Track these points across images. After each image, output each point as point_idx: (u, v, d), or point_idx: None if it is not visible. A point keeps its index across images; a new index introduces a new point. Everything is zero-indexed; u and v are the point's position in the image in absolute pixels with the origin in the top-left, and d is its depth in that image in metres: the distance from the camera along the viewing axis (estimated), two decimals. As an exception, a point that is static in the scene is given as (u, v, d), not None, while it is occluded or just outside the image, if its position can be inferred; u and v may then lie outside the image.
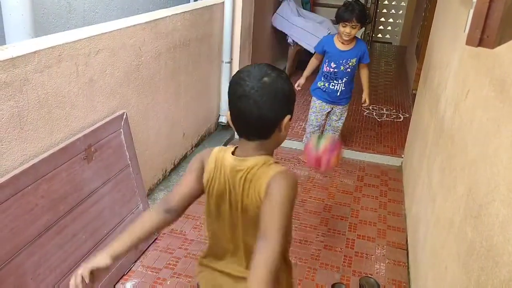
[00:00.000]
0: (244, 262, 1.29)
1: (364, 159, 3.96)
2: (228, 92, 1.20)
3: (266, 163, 1.19)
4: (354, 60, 3.38)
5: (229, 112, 1.22)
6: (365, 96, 3.60)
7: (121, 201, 2.40)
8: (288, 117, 1.19)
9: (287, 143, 4.06)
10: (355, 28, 3.23)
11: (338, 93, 3.49)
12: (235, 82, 1.18)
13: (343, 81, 3.44)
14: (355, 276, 2.51)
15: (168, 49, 2.94)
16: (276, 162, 1.21)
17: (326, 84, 3.48)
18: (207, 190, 1.27)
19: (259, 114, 1.14)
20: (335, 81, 3.45)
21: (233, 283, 1.33)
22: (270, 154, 1.24)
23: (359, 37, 7.24)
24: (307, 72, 3.59)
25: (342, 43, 3.35)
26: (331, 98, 3.54)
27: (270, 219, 1.11)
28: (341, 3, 3.42)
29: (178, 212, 1.33)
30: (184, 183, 1.31)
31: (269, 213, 1.12)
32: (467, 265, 1.41)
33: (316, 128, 3.67)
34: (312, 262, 2.60)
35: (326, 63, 3.43)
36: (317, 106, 3.60)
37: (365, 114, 4.93)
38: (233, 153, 1.24)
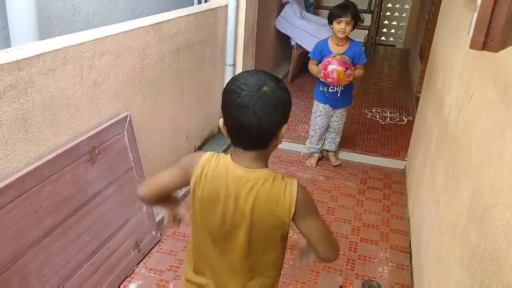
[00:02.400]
0: (240, 278, 1.27)
1: (367, 162, 3.96)
2: (223, 100, 1.14)
3: (276, 179, 1.18)
4: (350, 61, 3.36)
5: (222, 120, 1.17)
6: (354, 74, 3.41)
7: (125, 203, 2.41)
8: (285, 126, 1.16)
9: (290, 146, 4.07)
10: (349, 24, 3.25)
11: (339, 94, 3.48)
12: (232, 91, 1.11)
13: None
14: (358, 280, 2.51)
15: (172, 52, 2.95)
16: (283, 177, 1.21)
17: (326, 89, 3.49)
18: (192, 194, 1.23)
19: (258, 125, 1.09)
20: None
21: None
22: (267, 161, 1.23)
23: (363, 40, 7.28)
24: (316, 69, 3.54)
25: (337, 44, 3.37)
26: (333, 102, 3.55)
27: (318, 230, 1.24)
28: None
29: (151, 202, 1.39)
30: (168, 178, 1.30)
31: (315, 229, 1.23)
32: (470, 268, 1.40)
33: (322, 130, 3.67)
34: (315, 265, 2.59)
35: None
36: (321, 110, 3.60)
37: (368, 117, 4.93)
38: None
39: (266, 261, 1.28)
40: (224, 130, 1.18)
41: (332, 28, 3.34)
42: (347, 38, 3.36)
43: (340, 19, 3.23)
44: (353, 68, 3.29)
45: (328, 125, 3.70)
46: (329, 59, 3.23)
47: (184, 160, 1.30)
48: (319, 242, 1.24)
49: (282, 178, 1.20)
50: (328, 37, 3.45)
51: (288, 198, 1.16)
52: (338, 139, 3.78)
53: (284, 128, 1.16)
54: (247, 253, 1.23)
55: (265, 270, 1.30)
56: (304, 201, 1.18)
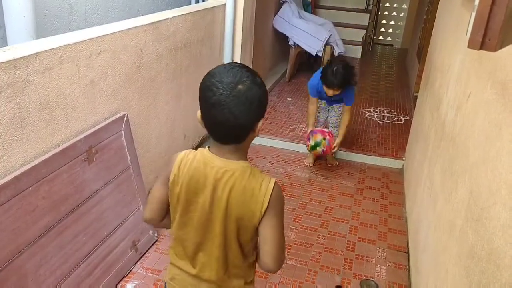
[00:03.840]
0: (216, 267, 1.28)
1: (365, 162, 3.96)
2: (200, 96, 1.15)
3: (253, 173, 1.21)
4: (340, 100, 3.60)
5: (199, 113, 1.18)
6: (337, 141, 3.56)
7: (122, 203, 2.40)
8: (261, 121, 1.18)
9: (289, 146, 4.07)
10: (337, 90, 3.31)
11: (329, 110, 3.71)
12: (207, 88, 1.12)
13: (335, 106, 3.69)
14: (355, 279, 2.51)
15: (169, 51, 2.94)
16: (261, 172, 1.23)
17: (324, 104, 3.72)
18: (171, 191, 1.26)
19: (234, 123, 1.12)
20: (326, 107, 3.73)
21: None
22: (245, 154, 1.25)
23: (361, 39, 7.28)
24: (311, 121, 3.66)
25: None
26: (327, 112, 3.74)
27: (274, 234, 1.22)
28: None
29: (161, 219, 1.38)
30: (159, 192, 1.32)
31: (272, 230, 1.22)
32: (468, 268, 1.41)
33: (320, 124, 3.75)
34: (312, 265, 2.59)
35: (319, 101, 3.65)
36: (320, 106, 3.73)
37: (366, 116, 4.93)
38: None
39: (242, 255, 1.29)
40: (201, 124, 1.20)
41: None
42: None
43: (328, 88, 3.32)
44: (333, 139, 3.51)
45: (326, 120, 3.76)
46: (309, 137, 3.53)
47: (163, 169, 1.32)
48: (269, 246, 1.22)
49: (260, 173, 1.23)
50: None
51: (263, 193, 1.18)
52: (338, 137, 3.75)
53: (260, 123, 1.18)
54: (223, 243, 1.25)
55: (241, 264, 1.30)
56: (276, 200, 1.20)
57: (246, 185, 1.19)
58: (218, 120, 1.12)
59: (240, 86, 1.11)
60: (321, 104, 3.69)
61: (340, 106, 3.67)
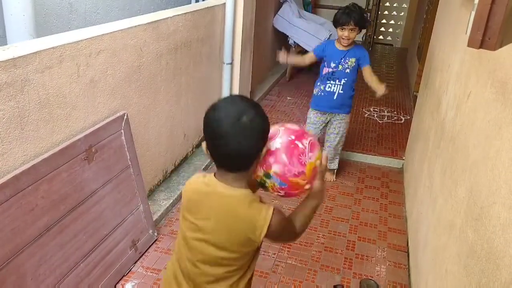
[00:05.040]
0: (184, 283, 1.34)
1: (365, 161, 3.96)
2: (204, 128, 1.20)
3: (252, 201, 1.23)
4: (353, 60, 3.24)
5: (205, 144, 1.23)
6: (380, 93, 3.19)
7: (122, 202, 2.40)
8: (265, 148, 1.23)
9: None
10: (353, 31, 3.15)
11: (335, 96, 3.28)
12: (212, 121, 1.18)
13: (341, 83, 3.26)
14: (355, 278, 2.51)
15: (169, 50, 2.94)
16: (260, 201, 1.25)
17: (322, 87, 3.31)
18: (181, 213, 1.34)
19: (239, 154, 1.17)
20: (332, 82, 3.27)
21: None
22: (248, 184, 1.27)
23: (361, 39, 7.28)
24: (295, 59, 3.58)
25: (342, 45, 3.26)
26: (327, 103, 3.32)
27: (283, 240, 1.37)
28: (342, 5, 3.38)
29: None
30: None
31: (280, 239, 1.36)
32: (468, 267, 1.40)
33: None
34: (312, 264, 2.59)
35: (325, 65, 3.30)
36: (312, 118, 3.42)
37: (366, 116, 4.93)
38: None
39: (234, 275, 1.31)
40: (207, 154, 1.24)
41: (337, 32, 3.25)
42: (353, 42, 3.28)
43: (343, 26, 3.14)
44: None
45: (323, 138, 3.49)
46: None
47: None
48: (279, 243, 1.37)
49: (260, 201, 1.25)
50: (336, 39, 3.33)
51: (260, 225, 1.21)
52: (335, 154, 3.53)
53: (265, 150, 1.22)
54: (215, 263, 1.29)
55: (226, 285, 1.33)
56: (275, 230, 1.23)
57: (246, 213, 1.21)
58: (224, 152, 1.18)
59: (244, 118, 1.15)
60: (315, 116, 3.38)
61: (340, 120, 3.38)
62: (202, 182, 1.28)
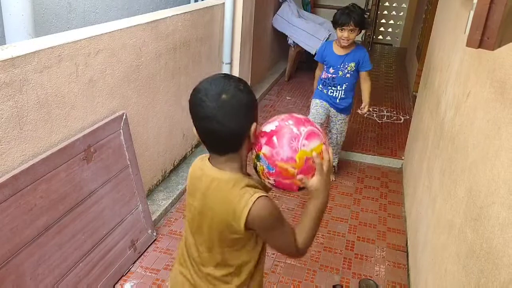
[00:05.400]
0: (191, 268, 1.34)
1: (364, 161, 3.96)
2: (190, 112, 1.19)
3: (237, 184, 1.18)
4: (352, 65, 3.22)
5: (195, 129, 1.21)
6: (364, 104, 3.38)
7: (121, 202, 2.40)
8: (254, 125, 1.18)
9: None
10: (353, 32, 3.10)
11: (338, 100, 3.31)
12: (195, 104, 1.16)
13: (343, 88, 3.26)
14: (354, 278, 2.50)
15: (168, 50, 2.94)
16: (248, 186, 1.18)
17: (325, 91, 3.33)
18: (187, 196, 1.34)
19: (225, 132, 1.14)
20: (333, 88, 3.28)
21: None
22: (242, 166, 1.23)
23: (360, 39, 7.27)
24: (316, 80, 3.44)
25: (341, 47, 3.21)
26: (330, 101, 3.33)
27: (276, 243, 1.26)
28: (342, 4, 3.36)
29: None
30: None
31: (270, 243, 1.26)
32: (467, 267, 1.40)
33: (317, 120, 3.34)
34: (311, 264, 2.59)
35: (325, 69, 3.29)
36: (318, 102, 3.35)
37: (365, 116, 4.92)
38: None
39: (228, 263, 1.29)
40: (198, 138, 1.23)
41: (336, 34, 3.19)
42: (353, 43, 3.22)
43: (343, 27, 3.07)
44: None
45: (326, 120, 3.46)
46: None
47: None
48: (278, 251, 1.31)
49: (245, 186, 1.18)
50: (334, 39, 3.30)
51: (240, 209, 1.15)
52: (337, 151, 3.58)
53: (254, 127, 1.18)
54: (210, 247, 1.27)
55: (226, 272, 1.30)
56: (258, 218, 1.15)
57: (228, 196, 1.18)
58: (209, 132, 1.16)
59: (223, 96, 1.13)
60: (321, 102, 3.33)
61: (342, 121, 3.41)
62: (198, 166, 1.28)
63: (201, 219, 1.26)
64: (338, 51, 3.24)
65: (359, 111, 3.44)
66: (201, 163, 1.28)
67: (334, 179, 3.62)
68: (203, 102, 1.14)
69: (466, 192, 1.57)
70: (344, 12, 3.08)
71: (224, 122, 1.13)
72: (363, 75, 3.29)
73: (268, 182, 1.24)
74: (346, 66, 3.23)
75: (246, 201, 1.14)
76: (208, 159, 1.26)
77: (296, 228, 1.27)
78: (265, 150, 1.20)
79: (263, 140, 1.21)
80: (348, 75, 3.24)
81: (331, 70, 3.25)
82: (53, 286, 1.94)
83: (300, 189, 1.26)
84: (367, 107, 3.39)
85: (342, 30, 3.11)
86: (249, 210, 1.14)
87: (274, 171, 1.20)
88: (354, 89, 3.35)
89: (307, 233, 1.26)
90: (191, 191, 1.30)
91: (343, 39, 3.13)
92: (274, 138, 1.20)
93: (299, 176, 1.20)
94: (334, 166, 3.59)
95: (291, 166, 1.18)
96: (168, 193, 3.07)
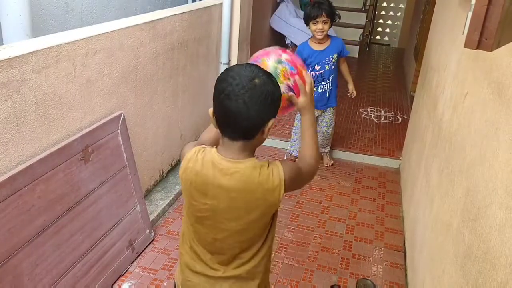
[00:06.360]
0: (218, 263, 1.33)
1: (362, 161, 3.96)
2: (215, 89, 1.17)
3: (263, 166, 1.22)
4: (335, 56, 3.36)
5: (212, 109, 1.20)
6: (351, 87, 3.60)
7: (118, 202, 2.40)
8: (272, 120, 1.20)
9: (285, 145, 4.06)
10: (326, 23, 3.22)
11: (328, 94, 3.45)
12: (224, 80, 1.15)
13: (330, 80, 3.42)
14: (352, 278, 2.51)
15: (166, 50, 2.93)
16: (267, 162, 1.25)
17: (315, 89, 3.33)
18: (181, 183, 1.30)
19: (247, 115, 1.13)
20: (323, 83, 3.41)
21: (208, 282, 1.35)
22: (253, 154, 1.26)
23: (358, 39, 7.29)
24: None
25: (318, 43, 3.33)
26: (321, 102, 3.46)
27: (304, 179, 1.35)
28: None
29: None
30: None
31: (300, 181, 1.33)
32: (464, 267, 1.41)
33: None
34: (309, 264, 2.59)
35: (310, 69, 3.37)
36: None
37: (363, 116, 4.93)
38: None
39: (252, 250, 1.31)
40: (212, 119, 1.22)
41: (310, 29, 3.31)
42: (327, 36, 3.34)
43: (316, 19, 3.21)
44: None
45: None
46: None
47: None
48: (305, 184, 1.40)
49: (266, 164, 1.24)
50: (308, 39, 3.43)
51: (276, 182, 1.21)
52: (328, 141, 3.74)
53: (271, 123, 1.19)
54: (236, 239, 1.28)
55: (249, 260, 1.33)
56: (290, 176, 1.24)
57: (258, 181, 1.20)
58: (231, 111, 1.13)
59: (256, 80, 1.14)
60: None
61: (331, 115, 3.58)
62: (203, 161, 1.23)
63: (225, 213, 1.24)
64: (317, 47, 3.35)
65: (348, 94, 3.64)
66: (207, 157, 1.23)
67: (333, 162, 3.86)
68: (234, 80, 1.13)
69: (463, 192, 1.58)
70: (314, 6, 3.22)
71: (249, 105, 1.12)
72: (342, 59, 3.48)
73: (287, 84, 1.34)
74: (331, 58, 3.37)
75: (278, 175, 1.21)
76: (216, 150, 1.24)
77: (302, 149, 1.38)
78: (285, 55, 1.36)
79: (278, 51, 1.36)
80: (333, 66, 3.41)
81: (317, 67, 3.38)
82: (51, 287, 1.94)
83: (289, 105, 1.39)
84: (353, 89, 3.61)
85: (315, 23, 3.23)
86: (284, 180, 1.22)
87: (296, 71, 1.35)
88: (337, 76, 3.51)
89: (313, 145, 1.36)
90: (200, 189, 1.24)
91: (317, 32, 3.25)
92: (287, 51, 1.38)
93: (290, 93, 1.34)
94: (327, 152, 3.81)
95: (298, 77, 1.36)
96: (166, 193, 3.07)
